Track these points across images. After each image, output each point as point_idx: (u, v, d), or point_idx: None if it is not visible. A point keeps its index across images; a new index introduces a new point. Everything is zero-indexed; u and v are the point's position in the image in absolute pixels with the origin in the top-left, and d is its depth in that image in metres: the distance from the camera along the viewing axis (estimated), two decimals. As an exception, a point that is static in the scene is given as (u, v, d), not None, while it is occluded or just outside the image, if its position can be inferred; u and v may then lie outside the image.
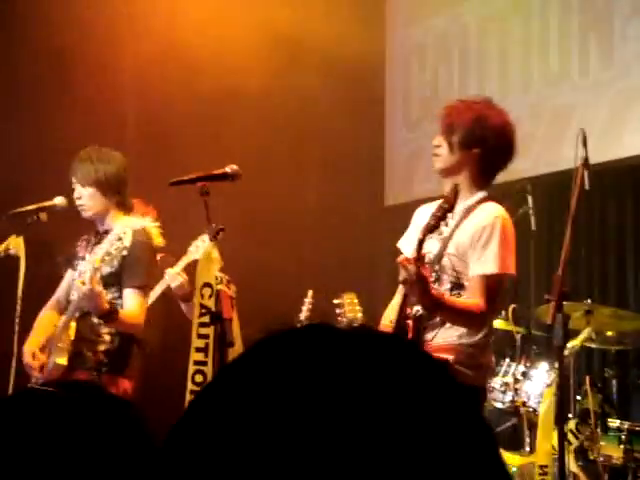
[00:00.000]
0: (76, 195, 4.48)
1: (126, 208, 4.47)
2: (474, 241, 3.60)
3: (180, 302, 4.92)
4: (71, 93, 6.77)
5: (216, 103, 6.96)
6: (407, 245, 3.93)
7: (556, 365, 4.10)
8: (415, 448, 0.74)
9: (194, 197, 3.61)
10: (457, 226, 3.68)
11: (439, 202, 3.76)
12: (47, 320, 4.54)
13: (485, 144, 3.71)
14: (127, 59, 7.17)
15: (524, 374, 5.06)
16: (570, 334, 4.20)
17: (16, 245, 4.50)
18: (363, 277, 6.91)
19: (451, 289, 3.59)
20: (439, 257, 3.65)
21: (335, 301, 5.43)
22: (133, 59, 7.14)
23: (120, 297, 4.32)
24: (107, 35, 6.96)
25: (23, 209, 4.57)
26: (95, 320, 4.28)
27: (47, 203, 4.59)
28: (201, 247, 4.46)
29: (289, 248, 7.37)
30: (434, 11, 7.99)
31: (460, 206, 3.66)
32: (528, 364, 5.11)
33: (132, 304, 4.29)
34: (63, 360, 4.25)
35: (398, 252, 3.97)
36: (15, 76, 6.81)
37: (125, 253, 4.07)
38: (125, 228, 4.15)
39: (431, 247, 3.68)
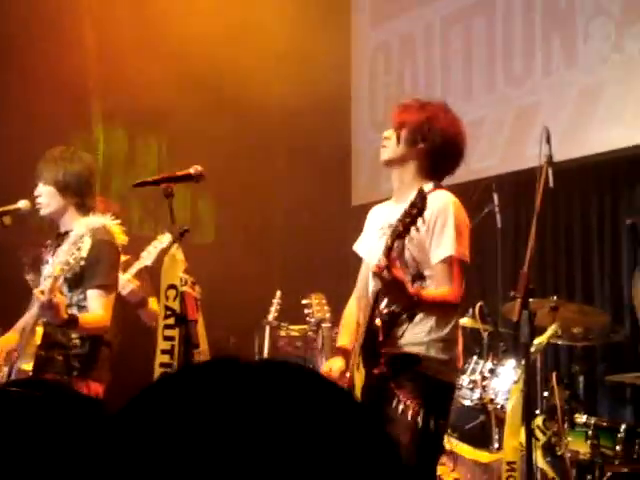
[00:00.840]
0: (36, 193, 4.44)
1: (86, 209, 4.42)
2: (430, 228, 3.62)
3: (138, 309, 4.90)
4: (37, 96, 6.72)
5: (184, 103, 6.93)
6: (364, 248, 3.94)
7: (523, 362, 4.12)
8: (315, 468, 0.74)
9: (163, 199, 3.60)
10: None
11: (392, 203, 3.79)
12: (15, 335, 4.50)
13: (431, 143, 3.77)
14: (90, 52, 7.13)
15: (491, 371, 5.09)
16: (536, 331, 4.22)
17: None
18: (331, 277, 6.92)
19: (412, 280, 3.60)
20: (398, 252, 3.63)
21: (303, 301, 5.43)
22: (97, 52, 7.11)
23: (85, 299, 4.29)
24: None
25: (-16, 212, 4.53)
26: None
27: (11, 207, 4.54)
28: (153, 252, 4.44)
29: (257, 249, 7.36)
30: (399, 12, 8.02)
31: (410, 197, 3.68)
32: (495, 361, 5.14)
33: (95, 305, 4.25)
34: (28, 366, 4.21)
35: (357, 256, 3.98)
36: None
37: (83, 263, 4.03)
38: (83, 231, 4.11)
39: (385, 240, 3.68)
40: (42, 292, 4.01)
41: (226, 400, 0.76)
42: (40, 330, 4.24)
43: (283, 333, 6.28)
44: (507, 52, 7.07)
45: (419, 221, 3.47)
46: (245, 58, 7.06)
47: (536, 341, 4.53)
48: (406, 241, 3.61)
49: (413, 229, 3.47)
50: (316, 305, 5.36)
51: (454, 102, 7.37)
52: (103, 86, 7.09)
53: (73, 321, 4.10)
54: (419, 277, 3.63)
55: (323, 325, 5.34)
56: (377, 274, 3.40)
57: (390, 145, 3.81)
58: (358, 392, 3.47)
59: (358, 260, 4.03)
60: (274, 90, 7.26)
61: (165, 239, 4.05)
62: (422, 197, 3.41)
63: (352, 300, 3.98)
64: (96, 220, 4.30)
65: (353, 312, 3.90)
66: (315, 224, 7.70)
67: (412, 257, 3.65)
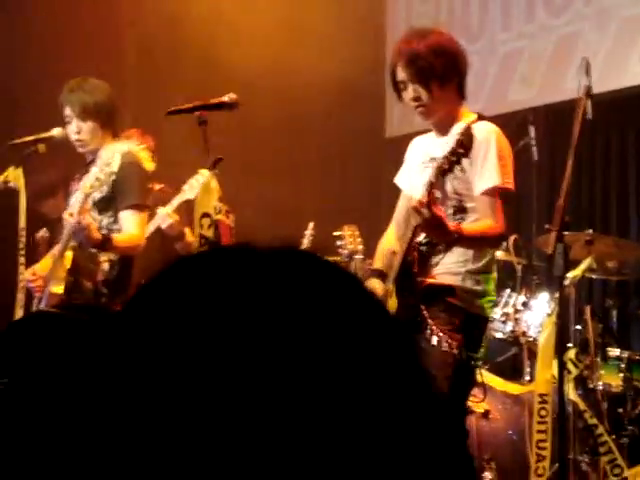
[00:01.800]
0: (74, 129, 4.40)
1: (117, 137, 4.43)
2: (473, 160, 3.57)
3: (175, 241, 4.92)
4: (69, 25, 6.69)
5: (215, 31, 6.88)
6: (404, 180, 3.92)
7: (556, 295, 4.10)
8: (333, 364, 0.72)
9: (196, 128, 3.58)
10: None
11: (433, 135, 3.75)
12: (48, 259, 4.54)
13: (458, 72, 3.73)
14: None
15: (524, 304, 5.07)
16: (571, 264, 4.19)
17: (15, 177, 4.48)
18: (364, 209, 6.90)
19: (454, 213, 3.59)
20: (440, 185, 3.61)
21: (335, 233, 5.43)
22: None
23: (115, 222, 4.30)
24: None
25: (21, 140, 4.54)
26: (92, 249, 4.27)
27: (45, 134, 4.55)
28: (195, 186, 4.43)
29: (290, 181, 7.35)
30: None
31: (454, 129, 3.64)
32: (528, 294, 5.12)
33: (129, 225, 4.25)
34: (59, 289, 4.24)
35: (397, 187, 3.96)
36: (17, 11, 6.73)
37: (114, 177, 4.03)
38: (110, 154, 4.11)
39: (428, 175, 3.65)
40: (71, 214, 4.03)
41: (238, 287, 0.75)
42: (69, 254, 4.27)
43: (315, 264, 6.27)
44: (547, -19, 6.92)
45: (464, 161, 3.45)
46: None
47: (570, 274, 4.50)
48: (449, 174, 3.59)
49: (457, 168, 3.44)
50: (349, 237, 5.35)
51: (492, 33, 7.31)
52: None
53: (107, 241, 4.12)
54: (461, 210, 3.61)
55: (355, 257, 5.34)
56: (417, 210, 3.38)
57: (426, 102, 3.68)
58: None
59: (391, 192, 4.01)
60: (307, 20, 7.18)
61: (206, 172, 4.05)
62: (469, 135, 3.37)
63: (390, 228, 3.95)
64: (123, 145, 4.29)
65: (390, 240, 3.88)
66: (348, 156, 7.66)
67: (454, 190, 3.63)
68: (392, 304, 3.52)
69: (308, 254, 0.79)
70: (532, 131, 5.82)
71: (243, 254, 0.78)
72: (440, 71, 3.64)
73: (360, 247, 5.35)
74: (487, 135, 3.63)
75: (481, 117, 3.75)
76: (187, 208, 4.65)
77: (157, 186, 4.58)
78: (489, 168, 3.57)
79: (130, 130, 4.52)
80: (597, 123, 5.11)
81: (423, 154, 3.80)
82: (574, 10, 6.70)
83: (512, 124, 6.26)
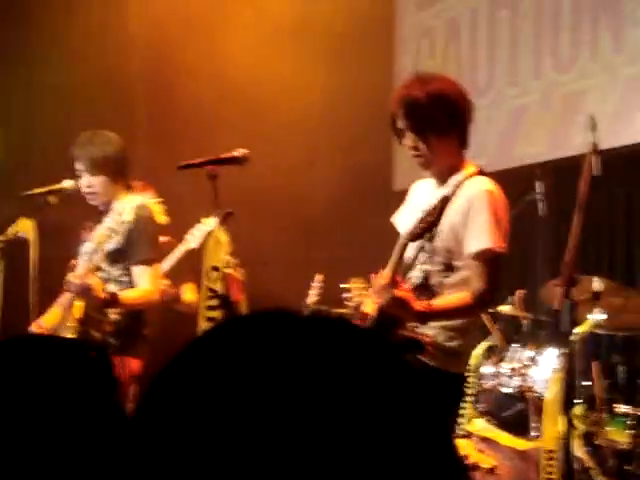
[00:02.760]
0: (85, 183, 4.45)
1: (129, 190, 4.46)
2: (464, 216, 3.53)
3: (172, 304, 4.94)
4: (81, 75, 6.78)
5: (222, 85, 6.96)
6: (402, 221, 3.84)
7: (563, 351, 4.10)
8: (363, 429, 0.74)
9: (203, 180, 3.61)
10: (444, 204, 3.58)
11: (433, 184, 3.72)
12: (57, 311, 4.55)
13: (458, 123, 3.65)
14: (137, 39, 7.16)
15: (532, 359, 5.06)
16: (578, 320, 4.20)
17: (26, 228, 4.52)
18: (372, 262, 6.90)
19: (442, 270, 3.53)
20: (430, 237, 3.56)
21: (343, 286, 5.44)
22: (144, 39, 7.14)
23: (126, 274, 4.32)
24: (117, 13, 6.97)
25: (33, 192, 4.59)
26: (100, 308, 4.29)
27: (56, 186, 4.60)
28: (198, 236, 4.46)
29: (298, 234, 7.37)
30: (444, -5, 7.97)
31: (451, 181, 3.62)
32: (535, 349, 5.11)
33: (142, 280, 4.28)
34: None
35: (394, 227, 3.93)
36: (25, 64, 6.82)
37: (128, 227, 4.06)
38: (125, 204, 4.15)
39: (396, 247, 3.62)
40: (76, 276, 4.07)
41: (275, 351, 0.77)
42: (79, 304, 4.29)
43: (323, 317, 6.28)
44: (554, 37, 7.00)
45: (458, 218, 3.40)
46: (283, 42, 7.07)
47: (577, 330, 4.50)
48: (440, 228, 3.53)
49: (426, 236, 3.39)
50: (356, 290, 5.36)
51: (500, 88, 7.38)
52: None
53: (113, 300, 4.14)
54: (448, 268, 3.54)
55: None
56: (380, 291, 3.34)
57: (424, 153, 3.61)
58: None
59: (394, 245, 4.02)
60: (315, 73, 7.25)
61: (210, 222, 4.08)
62: (442, 204, 3.32)
63: (387, 270, 3.89)
64: (137, 198, 4.33)
65: None
66: (357, 209, 7.68)
67: (444, 247, 3.57)
68: None
69: (344, 323, 0.81)
70: (539, 186, 5.85)
71: (284, 320, 0.80)
72: (439, 123, 3.55)
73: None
74: (483, 194, 3.56)
75: (481, 172, 3.72)
76: (191, 260, 4.67)
77: (162, 239, 4.61)
78: (482, 229, 3.50)
79: (136, 182, 4.56)
80: (604, 179, 5.14)
81: (423, 201, 3.74)
82: (581, 66, 6.77)
83: (519, 179, 6.30)
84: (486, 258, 3.53)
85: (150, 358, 4.43)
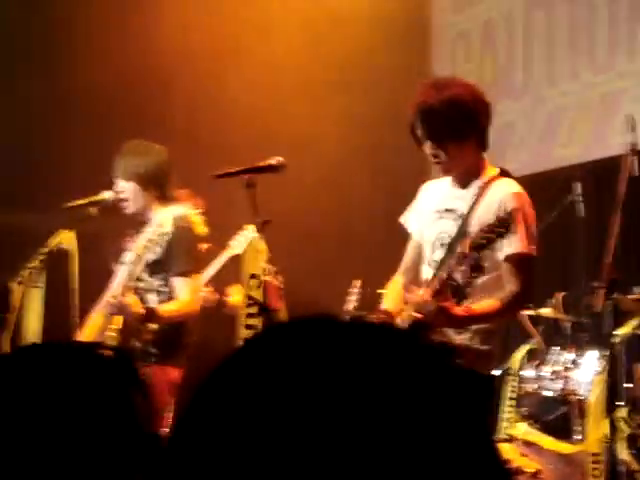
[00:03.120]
0: (119, 189, 4.52)
1: (167, 200, 4.49)
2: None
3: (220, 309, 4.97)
4: (120, 86, 6.85)
5: (263, 93, 6.99)
6: (414, 224, 3.84)
7: (606, 353, 4.08)
8: (409, 439, 0.74)
9: (242, 189, 3.63)
10: (475, 205, 3.60)
11: (449, 184, 3.69)
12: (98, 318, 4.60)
13: (476, 127, 3.61)
14: (176, 51, 7.23)
15: (574, 362, 5.03)
16: (620, 321, 4.17)
17: (67, 240, 4.56)
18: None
19: (470, 271, 3.47)
20: (459, 237, 3.53)
21: (381, 291, 5.44)
22: (182, 49, 7.20)
23: (165, 285, 4.35)
24: (155, 30, 7.04)
25: (74, 203, 4.64)
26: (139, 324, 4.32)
27: (97, 197, 4.65)
28: (242, 242, 4.47)
29: (337, 239, 7.38)
30: (479, -2, 7.95)
31: (475, 184, 3.61)
32: (578, 352, 5.09)
33: (182, 292, 4.31)
34: None
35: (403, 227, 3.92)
36: (68, 79, 6.90)
37: (167, 238, 4.09)
38: (165, 215, 4.18)
39: (445, 227, 3.62)
40: (114, 297, 4.11)
41: (318, 358, 0.77)
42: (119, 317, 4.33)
43: (363, 323, 6.28)
44: (591, 37, 6.95)
45: (499, 241, 3.37)
46: (320, 52, 7.09)
47: (619, 332, 4.47)
48: (471, 228, 3.52)
49: (489, 247, 3.36)
50: (388, 296, 5.37)
51: (536, 89, 7.34)
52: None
53: (152, 314, 4.18)
54: (477, 268, 3.49)
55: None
56: (420, 306, 3.33)
57: (443, 159, 3.59)
58: None
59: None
60: (351, 80, 7.27)
61: (253, 228, 4.11)
62: (509, 215, 3.30)
63: (396, 276, 3.87)
64: (177, 209, 4.37)
65: (398, 288, 3.80)
66: (393, 215, 7.67)
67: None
68: None
69: (386, 328, 0.82)
70: (578, 187, 5.82)
71: (325, 326, 0.80)
72: (456, 129, 3.52)
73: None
74: (513, 197, 3.55)
75: (504, 172, 3.70)
76: (234, 266, 4.69)
77: (204, 246, 4.64)
78: (513, 234, 3.47)
79: (179, 191, 4.59)
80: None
81: (437, 202, 3.72)
82: (618, 67, 6.72)
83: (558, 180, 6.28)
84: (520, 261, 3.54)
85: (190, 366, 4.45)
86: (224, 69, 7.03)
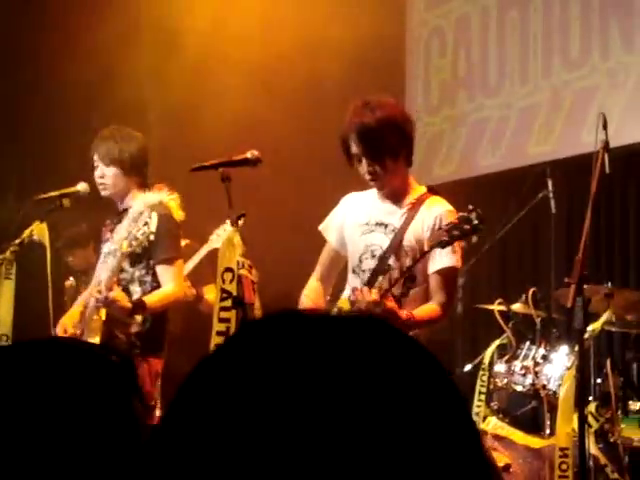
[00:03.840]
0: (98, 173, 4.49)
1: (146, 188, 4.48)
2: (428, 235, 3.71)
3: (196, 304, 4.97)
4: (94, 76, 6.82)
5: (238, 88, 6.98)
6: (334, 233, 4.03)
7: (576, 348, 4.11)
8: (397, 425, 0.75)
9: (217, 183, 3.63)
10: (408, 220, 3.81)
11: (375, 197, 3.89)
12: (77, 310, 4.58)
13: (406, 144, 3.82)
14: (146, 41, 7.20)
15: (544, 357, 5.07)
16: (590, 317, 4.21)
17: (40, 231, 4.55)
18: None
19: (405, 280, 3.68)
20: (393, 250, 3.76)
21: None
22: (152, 41, 7.18)
23: (148, 273, 4.35)
24: (128, 14, 7.01)
25: (46, 195, 4.61)
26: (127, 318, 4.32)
27: (70, 189, 4.62)
28: (222, 235, 4.47)
29: (312, 234, 7.38)
30: (454, -6, 7.97)
31: (406, 200, 3.84)
32: (548, 347, 5.13)
33: (165, 279, 4.32)
34: (95, 339, 4.30)
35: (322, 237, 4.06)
36: (36, 59, 6.87)
37: (152, 238, 4.09)
38: (142, 207, 4.16)
39: (376, 240, 3.82)
40: (99, 291, 4.10)
41: (294, 355, 0.78)
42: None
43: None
44: (564, 35, 7.00)
45: (419, 233, 3.68)
46: (294, 44, 7.09)
47: (590, 328, 4.51)
48: (405, 242, 3.76)
49: (456, 244, 3.59)
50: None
51: (510, 86, 7.39)
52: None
53: (139, 306, 4.19)
54: (411, 279, 3.71)
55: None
56: (372, 305, 3.49)
57: (379, 174, 3.79)
58: None
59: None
60: (326, 75, 7.27)
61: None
62: (480, 217, 3.42)
63: (313, 281, 4.06)
64: (154, 196, 4.35)
65: (318, 292, 3.99)
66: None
67: (409, 259, 3.71)
68: None
69: (381, 323, 0.82)
70: (550, 184, 5.87)
71: (299, 321, 0.81)
72: (392, 146, 3.74)
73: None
74: (447, 214, 3.75)
75: (432, 190, 3.93)
76: (213, 261, 4.70)
77: (183, 242, 4.62)
78: (447, 248, 3.65)
79: (158, 184, 4.58)
80: (615, 176, 5.14)
81: (365, 215, 3.91)
82: (590, 65, 6.78)
83: (530, 177, 6.32)
84: (450, 274, 3.79)
85: (169, 357, 4.46)
86: (207, 64, 7.02)
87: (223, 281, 3.43)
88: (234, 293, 3.41)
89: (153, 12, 7.13)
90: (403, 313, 3.59)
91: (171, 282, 4.31)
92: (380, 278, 3.69)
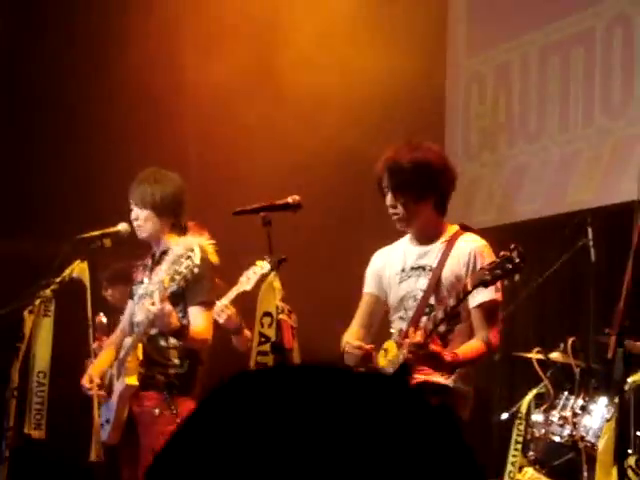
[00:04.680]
0: (133, 216, 4.53)
1: (181, 230, 4.50)
2: (468, 268, 3.74)
3: (232, 335, 4.96)
4: (135, 120, 6.90)
5: (279, 132, 7.03)
6: (371, 285, 4.04)
7: (616, 400, 4.05)
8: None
9: (253, 226, 3.65)
10: (444, 259, 3.82)
11: (407, 243, 3.93)
12: (110, 353, 4.60)
13: (435, 191, 3.85)
14: (188, 85, 7.28)
15: (583, 408, 5.01)
16: (631, 369, 4.15)
17: (80, 270, 4.59)
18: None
19: (449, 319, 3.67)
20: (432, 289, 3.77)
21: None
22: (194, 85, 7.26)
23: (184, 316, 4.36)
24: (168, 59, 7.10)
25: (88, 235, 4.66)
26: (163, 343, 4.34)
27: (111, 229, 4.67)
28: (252, 278, 4.48)
29: (350, 279, 7.37)
30: (495, 41, 8.00)
31: (439, 241, 3.85)
32: (587, 398, 5.06)
33: (199, 321, 4.33)
34: (133, 380, 4.31)
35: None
36: (80, 103, 6.96)
37: (197, 270, 4.09)
38: (182, 250, 4.18)
39: (415, 284, 3.83)
40: (152, 303, 4.11)
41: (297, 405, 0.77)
42: (141, 347, 4.34)
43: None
44: (605, 83, 6.99)
45: (459, 270, 3.68)
46: (339, 91, 7.13)
47: (630, 379, 4.45)
48: (443, 282, 3.76)
49: (431, 287, 3.64)
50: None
51: (550, 134, 7.37)
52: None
53: (184, 330, 4.20)
54: (454, 316, 3.70)
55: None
56: (414, 349, 3.48)
57: (401, 213, 3.84)
58: None
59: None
60: (368, 122, 7.30)
61: (264, 265, 4.11)
62: (521, 255, 3.40)
63: (354, 326, 4.02)
64: (193, 240, 4.37)
65: (358, 337, 3.93)
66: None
67: (449, 297, 3.70)
68: None
69: (396, 384, 0.81)
70: (590, 232, 5.83)
71: (294, 376, 0.80)
72: (417, 188, 3.78)
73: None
74: (481, 249, 3.78)
75: (465, 227, 3.94)
76: (243, 303, 4.70)
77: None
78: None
79: (192, 224, 4.60)
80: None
81: (399, 263, 3.92)
82: (631, 113, 6.75)
83: (570, 224, 6.28)
84: (492, 308, 3.77)
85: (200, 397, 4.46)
86: (238, 102, 7.07)
87: (262, 325, 3.43)
88: (273, 338, 3.40)
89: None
90: (447, 355, 3.56)
91: (203, 324, 4.32)
92: (424, 319, 3.69)
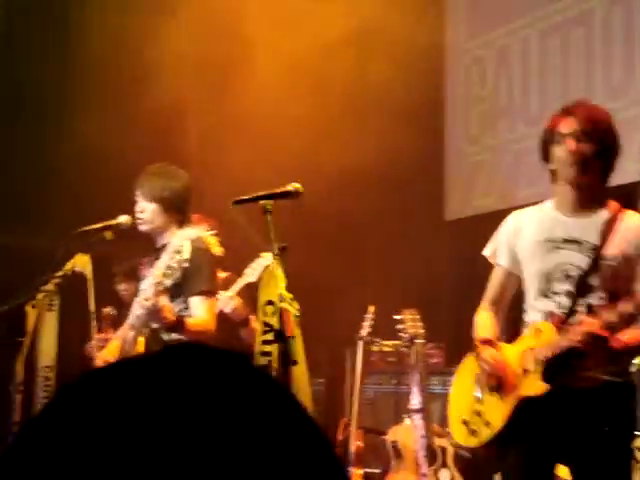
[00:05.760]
0: (138, 209, 4.51)
1: (184, 224, 4.50)
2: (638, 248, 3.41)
3: (239, 326, 4.95)
4: (133, 112, 6.88)
5: (278, 121, 7.01)
6: (505, 254, 3.67)
7: None
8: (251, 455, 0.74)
9: (256, 215, 3.63)
10: (608, 235, 3.43)
11: (555, 212, 3.55)
12: (116, 345, 4.60)
13: (609, 159, 3.54)
14: (188, 74, 7.27)
15: None
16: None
17: (82, 263, 4.58)
18: (424, 292, 6.88)
19: (609, 299, 3.37)
20: (594, 269, 3.40)
21: (396, 317, 5.41)
22: (194, 74, 7.24)
23: (187, 308, 4.35)
24: (167, 54, 7.09)
25: (89, 228, 4.64)
26: (165, 337, 4.33)
27: (112, 222, 4.65)
28: (257, 269, 4.45)
29: (351, 265, 7.37)
30: (494, 25, 7.97)
31: (599, 214, 3.48)
32: None
33: (200, 311, 4.31)
34: None
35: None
36: (80, 97, 6.96)
37: (186, 265, 4.08)
38: (182, 240, 4.17)
39: (568, 259, 3.44)
40: (147, 298, 4.10)
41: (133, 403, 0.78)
42: (141, 340, 4.32)
43: (376, 349, 6.27)
44: (606, 64, 6.96)
45: (630, 247, 3.34)
46: (339, 75, 7.11)
47: (636, 360, 4.41)
48: (607, 259, 3.40)
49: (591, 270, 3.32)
50: (409, 321, 5.34)
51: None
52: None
53: (180, 324, 4.19)
54: (614, 297, 3.35)
55: (416, 341, 5.32)
56: (592, 337, 3.22)
57: (581, 156, 3.46)
58: (519, 393, 3.38)
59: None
60: (368, 103, 7.28)
61: (269, 256, 4.10)
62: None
63: (486, 304, 3.71)
64: (192, 231, 4.36)
65: (491, 316, 3.66)
66: (408, 239, 7.68)
67: (611, 276, 3.41)
68: (528, 384, 3.40)
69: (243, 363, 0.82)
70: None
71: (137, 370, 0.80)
72: (604, 148, 3.50)
73: (421, 331, 5.33)
74: None
75: (623, 207, 3.56)
76: (250, 294, 4.68)
77: (222, 274, 4.61)
78: None
79: (193, 215, 4.59)
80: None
81: (544, 231, 3.53)
82: (632, 94, 6.72)
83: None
84: None
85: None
86: (239, 94, 7.06)
87: (265, 314, 3.41)
88: (275, 326, 3.38)
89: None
90: (616, 342, 3.27)
91: (205, 314, 4.30)
92: (581, 301, 3.38)
